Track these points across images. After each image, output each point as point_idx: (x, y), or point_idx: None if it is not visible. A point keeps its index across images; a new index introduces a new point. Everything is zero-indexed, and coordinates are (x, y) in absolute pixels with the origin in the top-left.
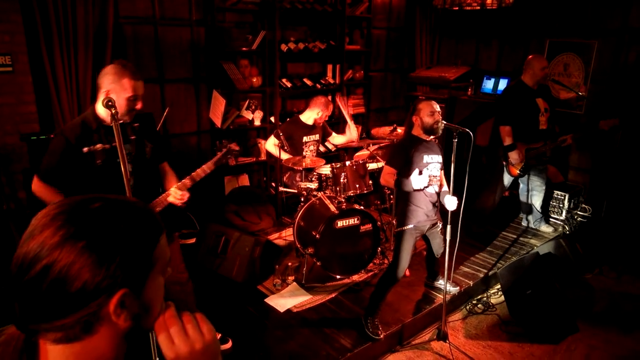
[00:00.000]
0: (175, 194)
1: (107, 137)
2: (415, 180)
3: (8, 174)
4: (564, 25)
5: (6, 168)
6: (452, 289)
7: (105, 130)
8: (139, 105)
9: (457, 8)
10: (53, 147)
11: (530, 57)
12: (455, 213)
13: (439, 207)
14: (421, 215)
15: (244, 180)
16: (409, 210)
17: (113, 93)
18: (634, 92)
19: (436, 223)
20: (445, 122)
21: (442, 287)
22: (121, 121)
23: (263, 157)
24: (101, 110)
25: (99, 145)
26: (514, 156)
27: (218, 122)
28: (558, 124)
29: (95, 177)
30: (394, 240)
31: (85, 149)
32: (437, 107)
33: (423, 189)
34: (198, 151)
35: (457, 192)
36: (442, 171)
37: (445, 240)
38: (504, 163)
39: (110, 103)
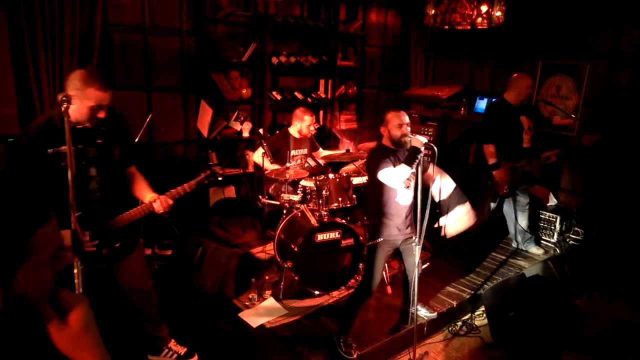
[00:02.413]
0: (165, 202)
1: (73, 138)
2: (391, 172)
3: None
4: (556, 47)
5: None
6: (428, 315)
7: (71, 132)
8: (101, 114)
9: (447, 27)
10: (18, 147)
11: (515, 75)
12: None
13: (413, 221)
14: (393, 228)
15: (230, 191)
16: (380, 223)
17: (76, 99)
18: (626, 115)
19: (411, 237)
20: (412, 136)
21: (418, 313)
22: (80, 126)
23: (251, 169)
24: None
25: (63, 147)
26: (498, 175)
27: (205, 131)
28: (542, 143)
29: (59, 179)
30: (365, 255)
31: (50, 150)
32: (406, 119)
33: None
34: (184, 160)
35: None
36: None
37: (413, 261)
38: (489, 183)
39: (65, 98)
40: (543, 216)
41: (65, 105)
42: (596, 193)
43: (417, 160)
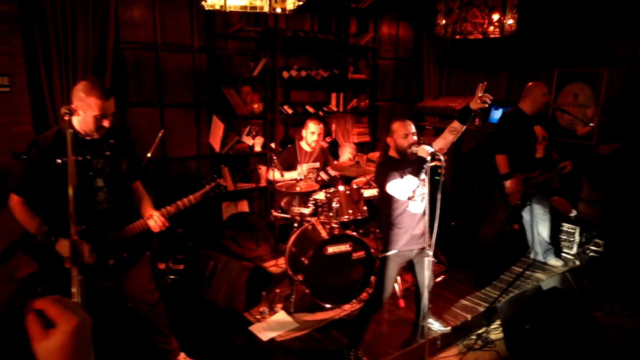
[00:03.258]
0: (158, 219)
1: (81, 149)
2: (398, 184)
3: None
4: (572, 55)
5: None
6: (441, 329)
7: (79, 142)
8: (106, 123)
9: (459, 37)
10: (27, 158)
11: (530, 83)
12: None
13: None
14: (405, 239)
15: (244, 206)
16: (392, 234)
17: (81, 110)
18: None
19: (424, 248)
20: (418, 146)
21: (430, 326)
22: (89, 137)
23: (263, 183)
24: (75, 122)
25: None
26: (510, 185)
27: (217, 146)
28: (562, 153)
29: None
30: (377, 267)
31: (59, 160)
32: (413, 129)
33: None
34: (197, 175)
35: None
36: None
37: (426, 274)
38: (501, 193)
39: (67, 111)
40: (562, 227)
41: (67, 118)
42: (616, 203)
43: (424, 170)
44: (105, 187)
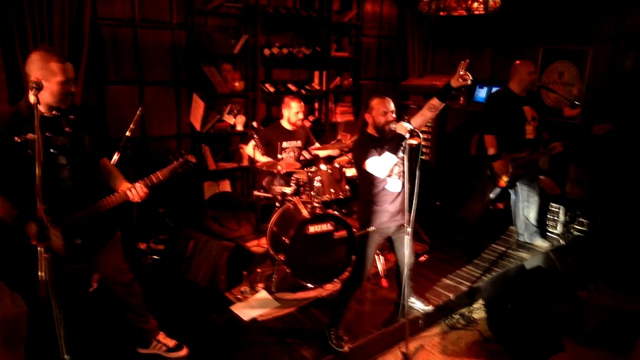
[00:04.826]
0: (140, 190)
1: (40, 127)
2: (377, 162)
3: None
4: (557, 32)
5: None
6: (423, 308)
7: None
8: (73, 88)
9: (443, 13)
10: None
11: (517, 62)
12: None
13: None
14: (383, 215)
15: (226, 186)
16: (370, 211)
17: (43, 80)
18: (631, 100)
19: (402, 225)
20: (396, 123)
21: (413, 305)
22: (57, 107)
23: (245, 162)
24: (33, 99)
25: (30, 135)
26: (498, 166)
27: (197, 125)
28: (549, 132)
29: (27, 167)
30: (357, 244)
31: (17, 138)
32: (392, 106)
33: (385, 179)
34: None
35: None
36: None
37: (405, 252)
38: (489, 173)
39: (35, 85)
40: (548, 208)
41: (34, 92)
42: (602, 182)
43: (402, 147)
44: (68, 165)
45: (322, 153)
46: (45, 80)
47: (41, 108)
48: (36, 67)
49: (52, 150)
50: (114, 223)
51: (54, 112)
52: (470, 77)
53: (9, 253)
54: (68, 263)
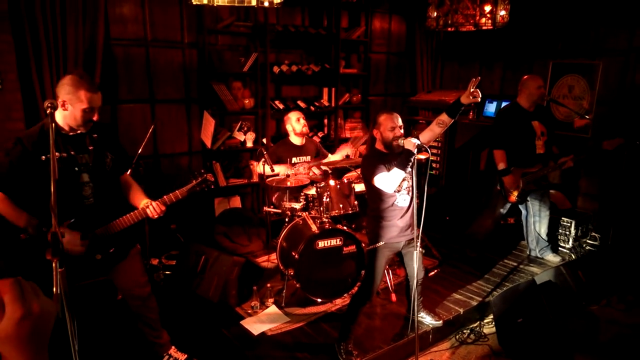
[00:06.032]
0: (157, 207)
1: (64, 145)
2: (386, 178)
3: None
4: (567, 46)
5: None
6: (433, 322)
7: (62, 139)
8: (95, 117)
9: (451, 29)
10: (9, 154)
11: (525, 77)
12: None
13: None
14: (393, 231)
15: (236, 202)
16: (379, 226)
17: (69, 104)
18: None
19: (412, 240)
20: (404, 139)
21: (422, 320)
22: (78, 131)
23: (255, 179)
24: (59, 118)
25: (56, 154)
26: (508, 181)
27: (208, 142)
28: (558, 146)
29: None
30: (366, 259)
31: (44, 157)
32: (400, 122)
33: (394, 194)
34: (189, 172)
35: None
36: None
37: (414, 266)
38: (499, 188)
39: (51, 105)
40: (559, 222)
41: (49, 112)
42: (613, 196)
43: (411, 163)
44: (91, 182)
45: (336, 157)
46: (71, 105)
47: (64, 126)
48: (65, 91)
49: (76, 169)
50: (134, 236)
51: (78, 130)
52: (480, 95)
53: (29, 267)
54: (86, 277)
